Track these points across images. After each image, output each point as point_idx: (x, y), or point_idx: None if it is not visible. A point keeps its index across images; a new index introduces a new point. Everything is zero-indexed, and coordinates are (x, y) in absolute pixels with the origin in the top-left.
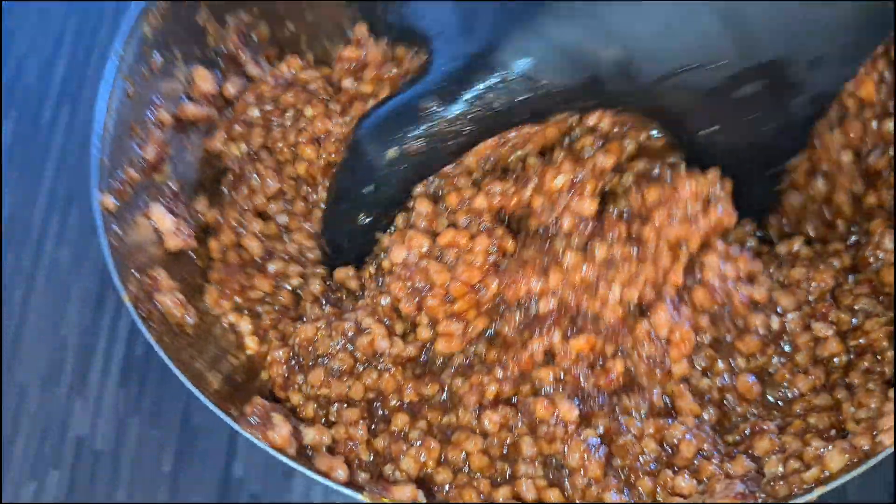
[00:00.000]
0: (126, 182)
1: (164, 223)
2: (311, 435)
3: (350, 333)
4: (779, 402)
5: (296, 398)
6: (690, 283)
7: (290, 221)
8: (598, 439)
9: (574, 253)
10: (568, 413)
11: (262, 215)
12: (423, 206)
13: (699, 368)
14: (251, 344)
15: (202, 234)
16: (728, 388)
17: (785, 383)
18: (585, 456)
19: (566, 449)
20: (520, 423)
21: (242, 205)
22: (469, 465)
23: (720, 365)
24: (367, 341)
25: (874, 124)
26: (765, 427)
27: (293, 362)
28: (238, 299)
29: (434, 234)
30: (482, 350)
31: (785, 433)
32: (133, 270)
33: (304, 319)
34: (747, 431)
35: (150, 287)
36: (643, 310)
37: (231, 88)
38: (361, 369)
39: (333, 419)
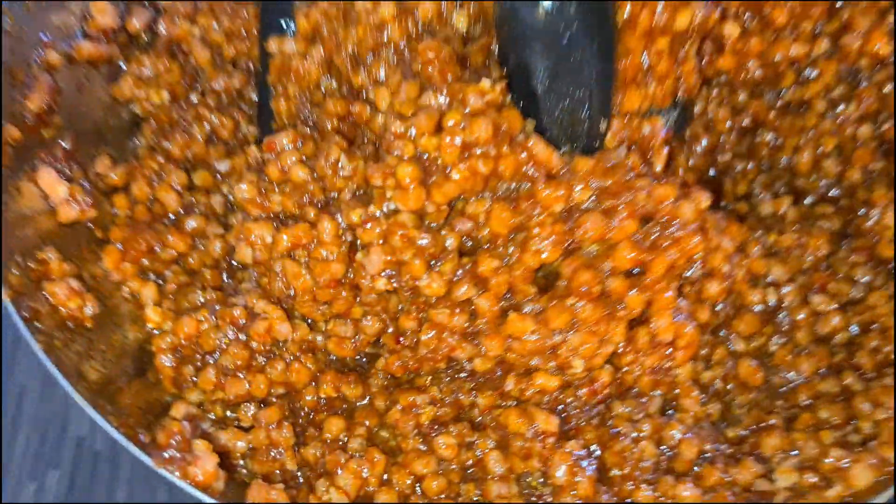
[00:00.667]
0: (5, 142)
1: (56, 191)
2: (222, 440)
3: (241, 321)
4: (781, 390)
5: (194, 396)
6: (696, 276)
7: (232, 166)
8: (585, 450)
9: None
10: (547, 424)
11: (191, 166)
12: (247, 191)
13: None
14: (153, 316)
15: (103, 198)
16: (730, 377)
17: (785, 367)
18: (574, 471)
19: (550, 465)
20: (478, 440)
21: (169, 153)
22: (422, 489)
23: (720, 352)
24: (264, 328)
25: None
26: (771, 422)
27: (179, 354)
28: (145, 261)
29: (273, 218)
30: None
31: (794, 429)
32: (16, 256)
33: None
34: (752, 427)
35: (39, 275)
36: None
37: (136, 22)
38: (264, 361)
39: (248, 424)
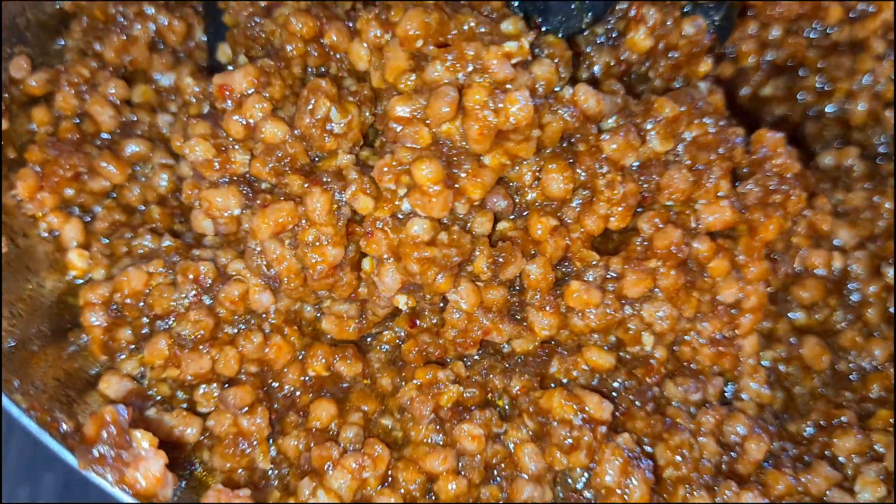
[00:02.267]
0: None
1: None
2: (170, 425)
3: (207, 281)
4: (851, 378)
5: (132, 365)
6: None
7: (178, 78)
8: (638, 447)
9: None
10: (599, 410)
11: (132, 76)
12: (200, 151)
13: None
14: (77, 261)
15: (18, 110)
16: (793, 358)
17: (854, 351)
18: (628, 470)
19: (599, 460)
20: (510, 429)
21: (103, 58)
22: (435, 492)
23: (782, 326)
24: (238, 293)
25: None
26: (843, 419)
27: (115, 309)
28: (69, 191)
29: (239, 181)
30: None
31: (872, 428)
32: None
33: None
34: (821, 423)
35: None
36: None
37: None
38: (234, 332)
39: (205, 408)
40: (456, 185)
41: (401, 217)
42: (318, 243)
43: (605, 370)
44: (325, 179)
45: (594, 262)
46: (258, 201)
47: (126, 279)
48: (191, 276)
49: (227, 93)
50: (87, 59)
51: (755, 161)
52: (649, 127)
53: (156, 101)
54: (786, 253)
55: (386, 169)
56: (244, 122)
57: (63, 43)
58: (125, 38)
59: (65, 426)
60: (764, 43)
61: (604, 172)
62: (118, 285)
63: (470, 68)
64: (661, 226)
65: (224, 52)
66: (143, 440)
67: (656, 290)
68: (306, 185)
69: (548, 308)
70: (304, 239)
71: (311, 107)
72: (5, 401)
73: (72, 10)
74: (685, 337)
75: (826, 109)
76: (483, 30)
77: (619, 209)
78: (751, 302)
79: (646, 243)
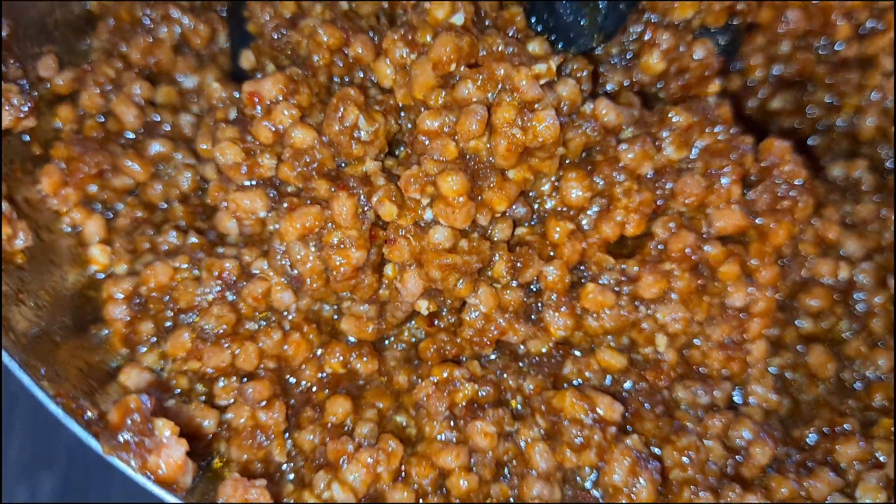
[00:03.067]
0: None
1: None
2: (190, 415)
3: (231, 277)
4: (856, 386)
5: (151, 358)
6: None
7: (202, 80)
8: (646, 448)
9: None
10: (609, 411)
11: (156, 77)
12: (230, 154)
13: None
14: (98, 256)
15: (45, 108)
16: (799, 365)
17: (859, 360)
18: (636, 470)
19: (608, 460)
20: (522, 428)
21: (128, 59)
22: (447, 488)
23: (789, 333)
24: (261, 291)
25: None
26: (846, 426)
27: (138, 303)
28: (93, 187)
29: (266, 184)
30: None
31: (873, 436)
32: None
33: (158, 253)
34: (825, 429)
35: None
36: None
37: None
38: (255, 328)
39: (223, 401)
40: (480, 197)
41: (423, 225)
42: (342, 246)
43: (617, 371)
44: (350, 184)
45: (610, 266)
46: (285, 205)
47: (152, 272)
48: (216, 273)
49: (257, 100)
50: (112, 60)
51: (764, 169)
52: (664, 136)
53: (178, 102)
54: (793, 260)
55: (412, 179)
56: (273, 129)
57: (89, 43)
58: (150, 40)
59: (90, 413)
60: (772, 57)
61: (621, 181)
62: (144, 278)
63: (499, 87)
64: (675, 230)
65: (247, 59)
66: (165, 429)
67: (671, 292)
68: (333, 190)
69: (563, 309)
70: (328, 241)
71: (339, 114)
72: (33, 386)
73: (98, 11)
74: (695, 340)
75: (836, 123)
76: (511, 50)
77: (636, 217)
78: (759, 306)
79: (660, 247)
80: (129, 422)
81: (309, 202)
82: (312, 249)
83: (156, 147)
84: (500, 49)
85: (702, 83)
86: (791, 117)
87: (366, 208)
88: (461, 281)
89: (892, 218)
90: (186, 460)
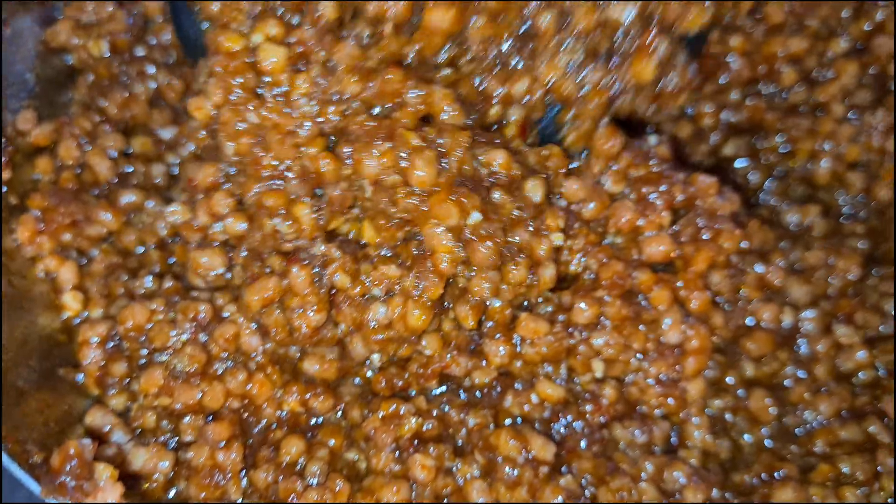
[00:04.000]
0: None
1: None
2: (140, 459)
3: (205, 319)
4: (797, 431)
5: (119, 401)
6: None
7: (178, 134)
8: (579, 487)
9: None
10: (543, 451)
11: (131, 129)
12: (179, 213)
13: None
14: (70, 303)
15: (23, 160)
16: (740, 408)
17: (802, 405)
18: None
19: (540, 497)
20: (461, 465)
21: (106, 112)
22: None
23: (731, 376)
24: (230, 333)
25: None
26: (784, 471)
27: (112, 346)
28: (67, 236)
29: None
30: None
31: (811, 482)
32: None
33: (134, 295)
34: (763, 475)
35: None
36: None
37: None
38: (221, 369)
39: (189, 437)
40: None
41: (368, 298)
42: (301, 310)
43: (556, 401)
44: (301, 256)
45: (545, 298)
46: (248, 275)
47: (130, 313)
48: (191, 315)
49: (197, 188)
50: (90, 113)
51: (691, 200)
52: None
53: (154, 152)
54: (735, 304)
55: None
56: (211, 212)
57: (70, 96)
58: (127, 94)
59: (35, 457)
60: (722, 104)
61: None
62: (122, 318)
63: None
64: (605, 260)
65: None
66: (105, 472)
67: (604, 319)
68: (284, 264)
69: (498, 336)
70: (290, 305)
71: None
72: None
73: (79, 65)
74: (632, 376)
75: (792, 168)
76: (525, 215)
77: (580, 257)
78: (694, 344)
79: (592, 276)
80: (68, 466)
81: (269, 270)
82: (276, 312)
83: (128, 197)
84: (512, 215)
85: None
86: (745, 162)
87: (323, 275)
88: (403, 347)
89: (840, 265)
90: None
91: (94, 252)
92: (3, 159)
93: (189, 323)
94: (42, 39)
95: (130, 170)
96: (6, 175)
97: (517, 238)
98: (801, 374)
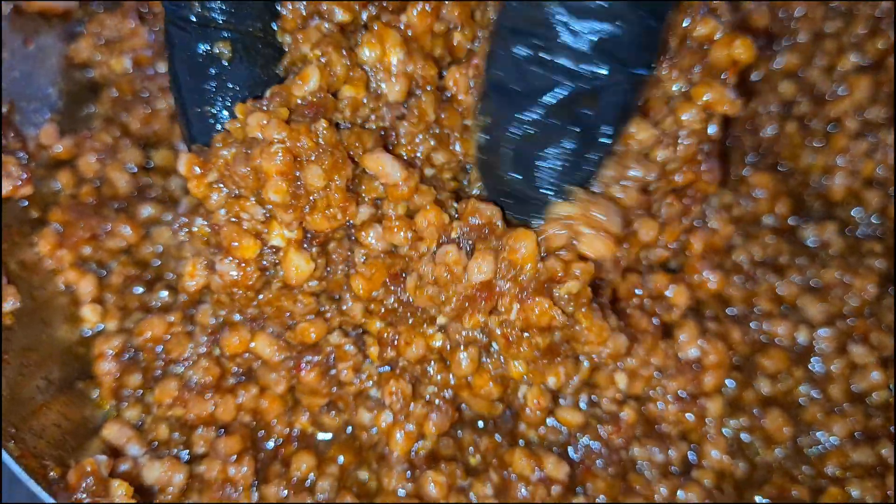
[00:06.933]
0: None
1: None
2: (155, 472)
3: (217, 333)
4: (810, 451)
5: (134, 413)
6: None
7: None
8: None
9: None
10: (556, 471)
11: (152, 143)
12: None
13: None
14: (90, 315)
15: (45, 173)
16: (756, 428)
17: (816, 425)
18: None
19: None
20: (474, 483)
21: (128, 128)
22: None
23: (748, 396)
24: (240, 340)
25: None
26: (794, 493)
27: (128, 358)
28: (87, 249)
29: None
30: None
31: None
32: None
33: (150, 307)
34: (774, 496)
35: None
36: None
37: None
38: (234, 382)
39: (201, 448)
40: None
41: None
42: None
43: (575, 427)
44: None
45: None
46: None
47: (148, 325)
48: (204, 328)
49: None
50: (112, 128)
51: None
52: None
53: (173, 166)
54: (749, 313)
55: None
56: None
57: (94, 110)
58: (149, 110)
59: (53, 473)
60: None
61: None
62: (140, 330)
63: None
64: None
65: None
66: (119, 489)
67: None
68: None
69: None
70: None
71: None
72: None
73: (102, 81)
74: (651, 392)
75: (808, 183)
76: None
77: None
78: (711, 359)
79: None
80: (84, 483)
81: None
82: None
83: (147, 211)
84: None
85: None
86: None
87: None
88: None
89: (856, 284)
90: None
91: (113, 264)
92: (23, 175)
93: (207, 335)
94: (65, 55)
95: (150, 182)
96: (28, 190)
97: None
98: (815, 393)
